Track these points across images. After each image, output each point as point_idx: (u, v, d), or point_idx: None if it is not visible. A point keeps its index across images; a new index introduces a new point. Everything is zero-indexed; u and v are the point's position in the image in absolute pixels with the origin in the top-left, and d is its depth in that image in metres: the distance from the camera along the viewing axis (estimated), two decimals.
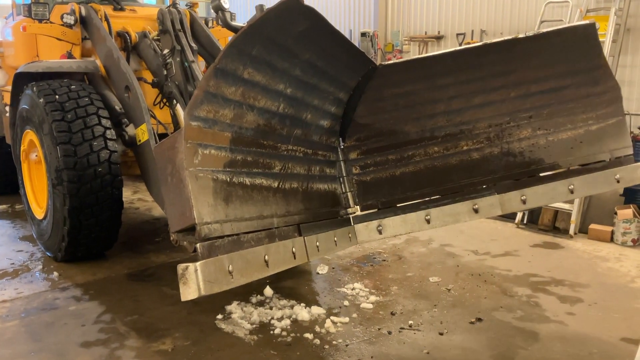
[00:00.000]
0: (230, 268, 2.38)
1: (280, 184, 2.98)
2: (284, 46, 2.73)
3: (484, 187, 3.60)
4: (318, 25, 2.77)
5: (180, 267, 2.26)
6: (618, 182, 3.61)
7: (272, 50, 2.68)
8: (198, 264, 2.26)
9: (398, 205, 3.65)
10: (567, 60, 3.58)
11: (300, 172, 3.20)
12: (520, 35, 3.46)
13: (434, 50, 9.89)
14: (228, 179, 2.59)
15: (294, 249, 2.79)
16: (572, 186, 3.57)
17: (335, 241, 3.27)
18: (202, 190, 2.40)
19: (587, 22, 3.59)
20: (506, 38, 3.39)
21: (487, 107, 3.65)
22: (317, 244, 3.03)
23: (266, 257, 2.61)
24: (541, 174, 3.67)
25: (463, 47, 3.51)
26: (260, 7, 4.12)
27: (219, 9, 5.38)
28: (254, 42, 2.52)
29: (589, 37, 3.52)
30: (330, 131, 3.53)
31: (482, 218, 3.63)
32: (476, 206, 3.54)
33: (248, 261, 2.50)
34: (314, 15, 2.67)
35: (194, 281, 2.24)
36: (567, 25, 3.79)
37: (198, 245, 2.32)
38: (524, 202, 3.58)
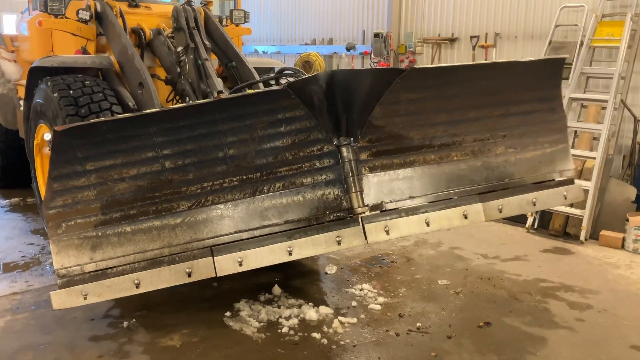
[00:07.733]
0: (84, 292, 3.31)
1: (188, 218, 3.48)
2: (115, 138, 3.28)
3: (469, 196, 3.93)
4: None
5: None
6: (565, 198, 4.20)
7: (107, 145, 3.27)
8: (51, 292, 3.32)
9: (399, 208, 3.77)
10: (539, 88, 4.10)
11: (235, 197, 3.54)
12: (516, 60, 4.19)
13: (447, 53, 9.88)
14: (99, 234, 3.36)
15: (187, 269, 3.40)
16: (535, 199, 4.05)
17: (289, 251, 3.53)
18: (64, 248, 3.31)
19: (559, 56, 4.18)
20: (500, 61, 3.76)
21: (477, 122, 3.99)
22: (239, 259, 3.46)
23: (136, 280, 3.35)
24: (512, 187, 4.07)
25: (479, 62, 3.81)
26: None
27: None
28: (68, 155, 3.19)
29: (557, 70, 4.12)
30: (305, 143, 3.58)
31: (471, 224, 3.98)
32: (465, 212, 3.84)
33: (108, 286, 3.34)
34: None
35: (53, 300, 3.32)
36: (542, 58, 4.61)
37: (58, 281, 3.32)
38: (500, 210, 3.94)
